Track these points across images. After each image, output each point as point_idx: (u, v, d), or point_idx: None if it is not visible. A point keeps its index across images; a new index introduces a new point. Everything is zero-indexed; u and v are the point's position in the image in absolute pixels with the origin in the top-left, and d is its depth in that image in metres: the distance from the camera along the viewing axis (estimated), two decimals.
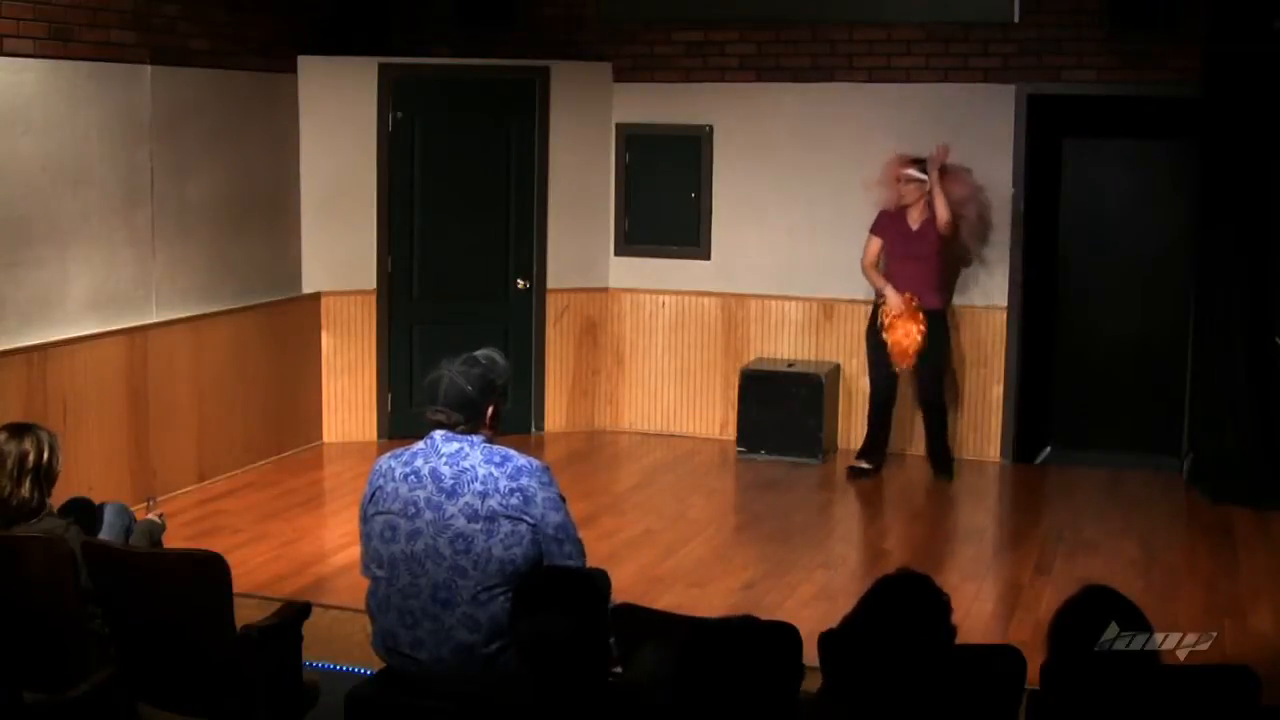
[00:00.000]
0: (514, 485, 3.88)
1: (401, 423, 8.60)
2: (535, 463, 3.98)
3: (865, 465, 8.16)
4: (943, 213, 7.88)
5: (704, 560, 6.60)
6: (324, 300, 8.56)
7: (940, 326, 8.08)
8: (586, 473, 8.21)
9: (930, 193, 7.91)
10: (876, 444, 8.24)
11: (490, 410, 4.02)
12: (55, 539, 4.16)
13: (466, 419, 3.96)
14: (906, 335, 7.90)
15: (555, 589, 3.14)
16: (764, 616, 3.11)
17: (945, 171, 7.95)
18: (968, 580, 6.33)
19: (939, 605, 3.06)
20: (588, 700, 2.99)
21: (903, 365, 8.00)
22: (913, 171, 7.96)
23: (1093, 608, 3.15)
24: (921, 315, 7.89)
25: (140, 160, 7.15)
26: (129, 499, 5.91)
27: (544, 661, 3.01)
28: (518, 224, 8.85)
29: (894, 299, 7.92)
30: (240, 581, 4.38)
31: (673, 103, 8.85)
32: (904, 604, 3.04)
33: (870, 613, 3.04)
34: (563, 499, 3.98)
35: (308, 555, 6.57)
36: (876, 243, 8.08)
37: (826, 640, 3.09)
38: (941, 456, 8.19)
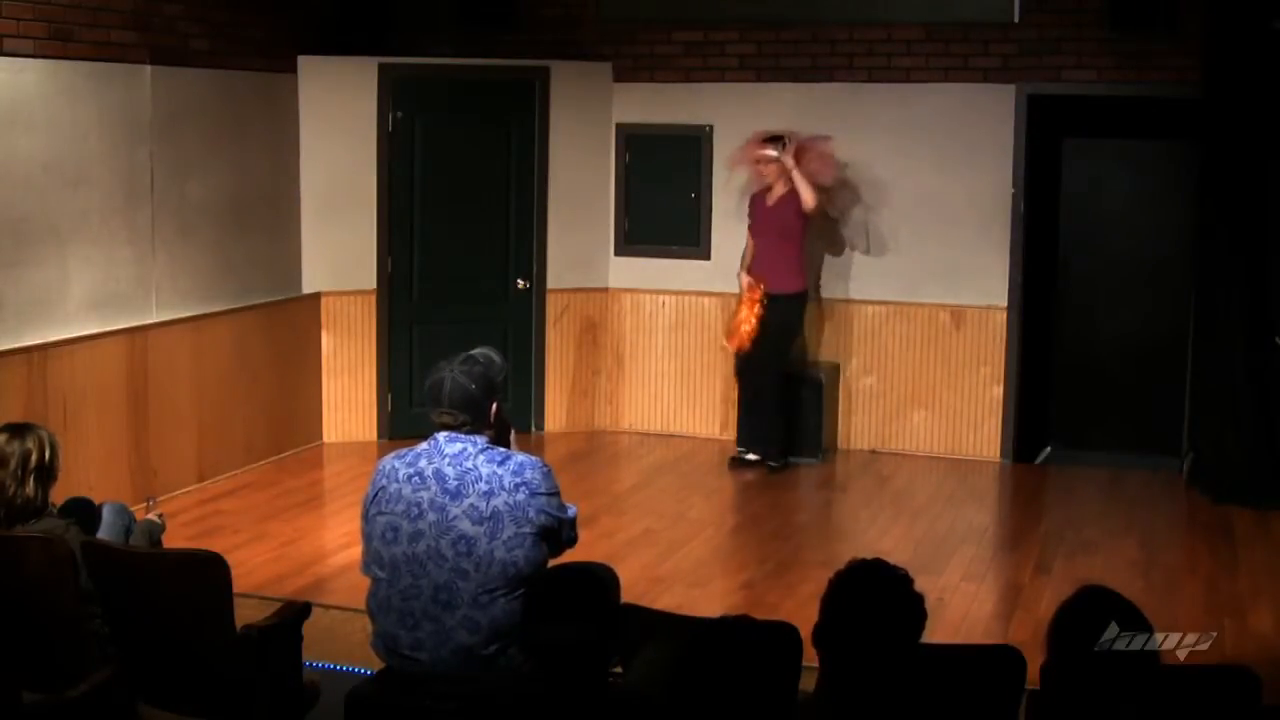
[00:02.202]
0: (518, 480, 3.91)
1: (401, 423, 8.61)
2: (534, 458, 4.02)
3: (751, 456, 8.24)
4: (807, 196, 7.94)
5: (704, 560, 6.60)
6: (324, 300, 8.56)
7: (790, 310, 8.11)
8: (586, 473, 8.21)
9: (790, 173, 7.98)
10: (753, 433, 8.30)
11: (493, 408, 4.04)
12: (55, 539, 4.16)
13: (472, 419, 3.98)
14: (737, 321, 8.05)
15: (569, 594, 3.14)
16: (764, 616, 3.12)
17: (802, 152, 8.00)
18: (968, 580, 6.33)
19: (896, 582, 3.05)
20: (589, 701, 2.99)
21: (731, 346, 8.14)
22: (768, 151, 8.00)
23: (1091, 608, 3.14)
24: (761, 304, 7.96)
25: (140, 160, 7.15)
26: (129, 499, 5.91)
27: (556, 666, 3.01)
28: (518, 224, 8.85)
29: (742, 282, 8.05)
30: (240, 581, 4.39)
31: (673, 103, 8.85)
32: (864, 593, 3.03)
33: (834, 611, 3.02)
34: (558, 489, 4.03)
35: (308, 555, 6.57)
36: (748, 223, 8.23)
37: (816, 636, 3.08)
38: (775, 444, 8.15)
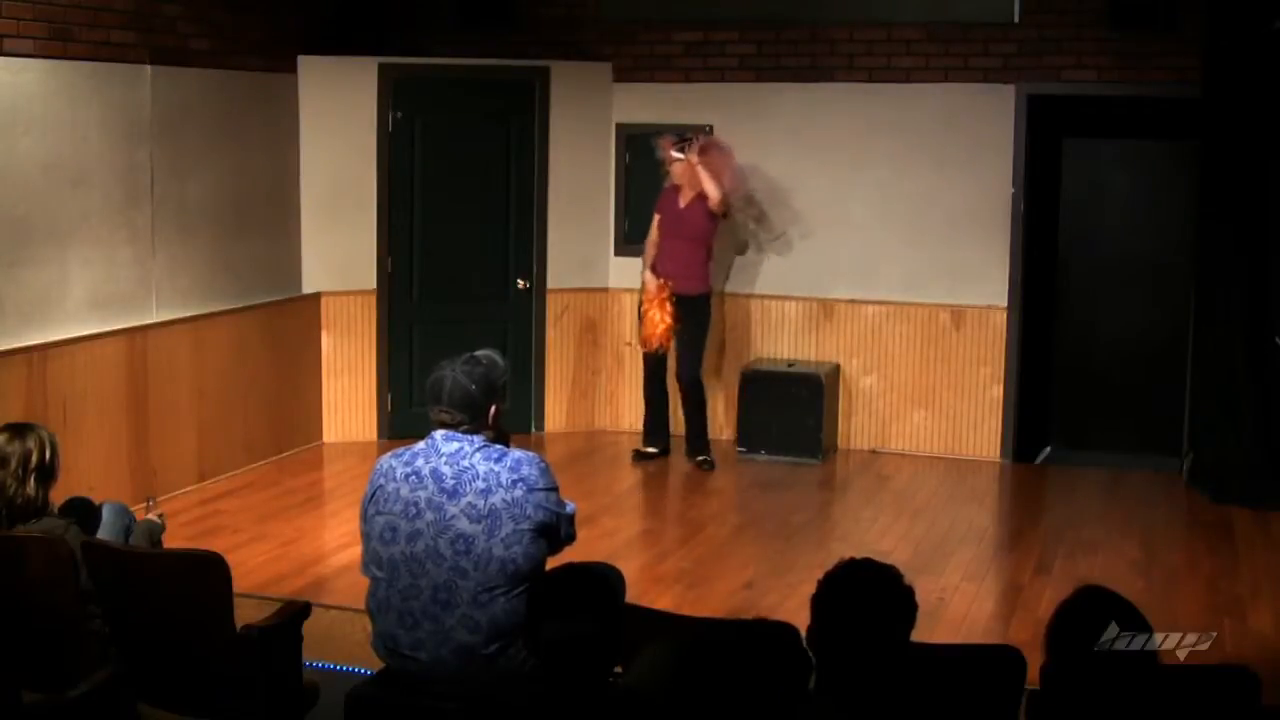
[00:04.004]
0: (515, 477, 3.90)
1: (401, 423, 8.60)
2: (531, 454, 4.01)
3: (651, 450, 8.34)
4: (712, 192, 8.00)
5: (704, 560, 6.60)
6: (324, 300, 8.56)
7: (700, 311, 8.18)
8: (586, 473, 8.21)
9: (695, 169, 8.02)
10: (657, 427, 8.39)
11: (493, 410, 4.03)
12: (55, 539, 4.16)
13: (470, 418, 3.98)
14: (652, 323, 8.04)
15: (576, 592, 3.13)
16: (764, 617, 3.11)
17: (706, 150, 8.06)
18: (968, 580, 6.33)
19: (885, 578, 3.05)
20: (589, 700, 2.99)
21: (649, 349, 8.15)
22: (673, 152, 8.08)
23: (1091, 608, 3.14)
24: (671, 303, 8.00)
25: (140, 160, 7.15)
26: (129, 499, 5.91)
27: (560, 664, 3.00)
28: (518, 224, 8.85)
29: (649, 284, 8.08)
30: (240, 581, 4.38)
31: (673, 103, 8.84)
32: (854, 591, 3.03)
33: (826, 611, 3.02)
34: (556, 484, 4.03)
35: (308, 555, 6.57)
36: (656, 219, 8.25)
37: (811, 638, 3.08)
38: (699, 442, 8.28)
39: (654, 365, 8.33)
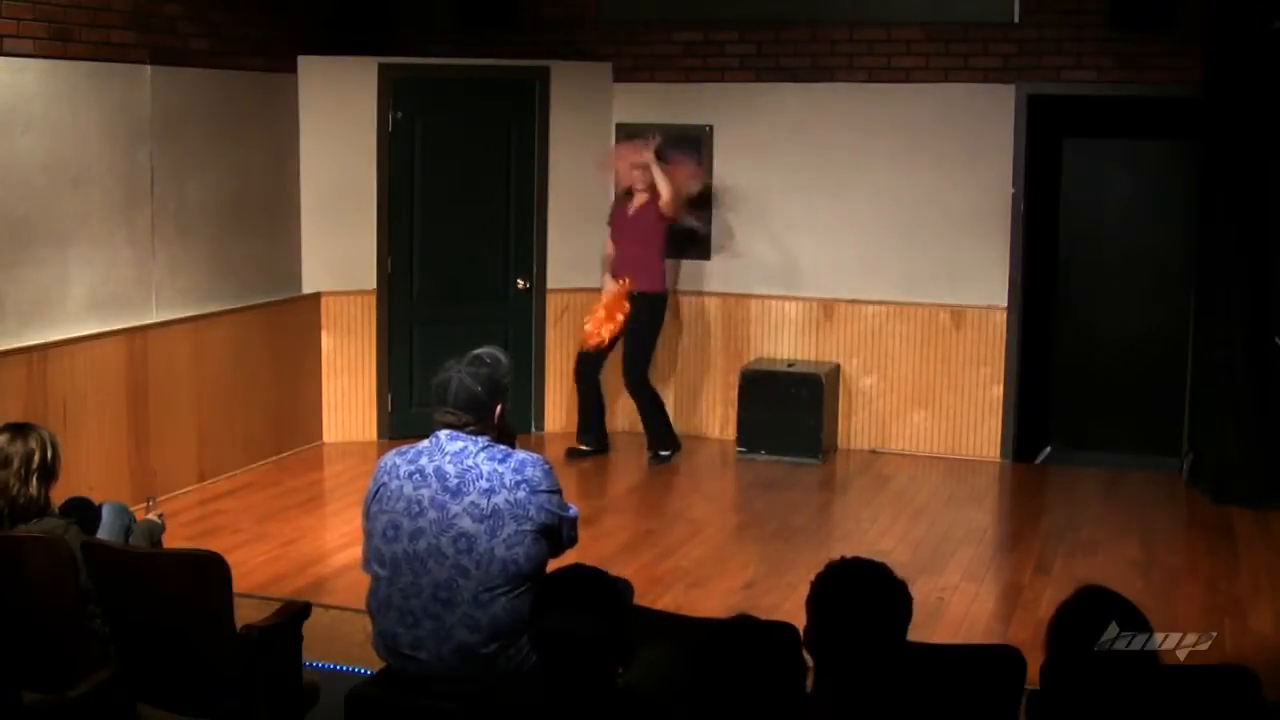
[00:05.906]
0: (519, 478, 3.90)
1: (401, 423, 8.60)
2: (535, 456, 4.01)
3: (584, 447, 8.46)
4: (664, 190, 8.10)
5: (704, 560, 6.60)
6: (324, 300, 8.56)
7: (654, 309, 8.31)
8: (586, 473, 8.21)
9: (651, 168, 8.15)
10: (590, 423, 8.52)
11: (498, 410, 4.03)
12: (55, 539, 4.16)
13: (476, 419, 3.97)
14: (597, 320, 8.17)
15: (585, 591, 3.13)
16: (764, 616, 3.11)
17: (661, 153, 8.21)
18: (968, 580, 6.33)
19: (876, 575, 3.04)
20: (590, 700, 2.98)
21: (589, 345, 8.24)
22: (645, 157, 8.19)
23: (1091, 608, 3.14)
24: (624, 302, 8.12)
25: (140, 160, 7.15)
26: (129, 499, 5.91)
27: (559, 659, 3.00)
28: (518, 224, 8.85)
29: (609, 286, 8.25)
30: (240, 581, 4.38)
31: (673, 103, 8.84)
32: (847, 591, 3.03)
33: (821, 612, 3.02)
34: (559, 487, 4.03)
35: (308, 555, 6.57)
36: (610, 230, 8.45)
37: (808, 640, 3.08)
38: (653, 437, 8.42)
39: (586, 360, 8.41)
